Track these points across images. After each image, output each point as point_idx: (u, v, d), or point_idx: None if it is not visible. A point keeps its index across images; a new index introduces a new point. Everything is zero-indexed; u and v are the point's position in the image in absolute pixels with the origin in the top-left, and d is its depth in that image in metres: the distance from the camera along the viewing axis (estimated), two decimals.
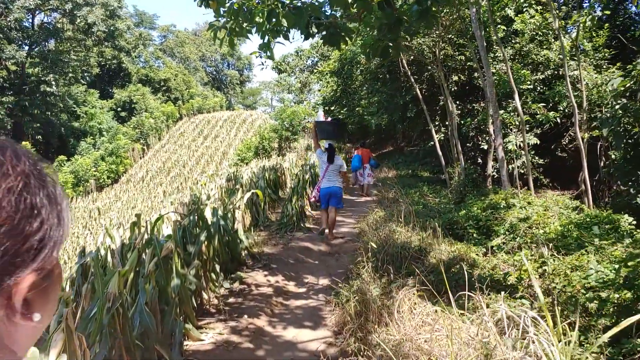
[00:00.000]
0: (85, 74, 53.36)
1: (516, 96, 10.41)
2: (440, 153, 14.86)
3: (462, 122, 15.07)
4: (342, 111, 29.55)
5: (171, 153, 45.15)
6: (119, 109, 53.83)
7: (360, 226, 9.82)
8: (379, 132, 28.95)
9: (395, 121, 19.02)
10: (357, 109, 27.68)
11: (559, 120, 13.93)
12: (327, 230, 8.91)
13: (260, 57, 6.08)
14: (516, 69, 14.09)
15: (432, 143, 16.01)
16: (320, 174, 9.22)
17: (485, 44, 13.30)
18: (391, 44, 5.55)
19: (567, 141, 16.34)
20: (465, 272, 4.23)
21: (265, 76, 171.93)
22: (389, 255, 6.24)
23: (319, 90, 38.51)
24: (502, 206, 9.28)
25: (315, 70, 40.91)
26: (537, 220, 8.24)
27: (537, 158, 14.62)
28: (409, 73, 14.65)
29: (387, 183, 18.00)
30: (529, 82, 13.57)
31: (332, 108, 31.07)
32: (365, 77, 18.32)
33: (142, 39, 67.98)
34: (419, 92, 14.75)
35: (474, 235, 8.53)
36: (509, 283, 5.55)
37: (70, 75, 45.22)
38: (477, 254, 7.38)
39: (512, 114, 14.04)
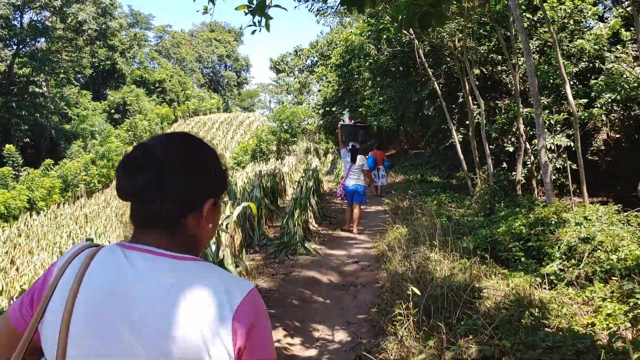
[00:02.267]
0: (78, 75, 51.70)
1: (567, 86, 8.65)
2: (461, 156, 13.09)
3: (492, 120, 13.29)
4: (343, 112, 27.88)
5: None
6: (112, 111, 52.18)
7: (377, 246, 8.06)
8: (381, 134, 27.34)
9: (406, 121, 17.20)
10: (359, 109, 26.05)
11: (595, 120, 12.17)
12: (353, 229, 9.92)
13: (253, 20, 4.34)
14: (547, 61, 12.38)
15: (447, 144, 14.29)
16: (344, 172, 10.16)
17: (514, 32, 11.59)
18: (432, 10, 3.87)
19: (599, 142, 14.63)
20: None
21: (264, 78, 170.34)
22: (431, 298, 4.48)
23: (319, 91, 36.87)
24: (552, 222, 7.52)
25: (314, 71, 39.28)
26: (604, 242, 6.50)
27: (569, 162, 12.88)
28: (427, 65, 12.89)
29: (397, 189, 16.33)
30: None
31: (334, 109, 29.46)
32: (373, 72, 16.43)
33: (137, 39, 66.61)
34: (437, 86, 12.99)
35: (522, 259, 6.78)
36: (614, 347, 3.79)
37: (61, 76, 43.43)
38: (531, 284, 5.67)
39: (546, 111, 12.29)
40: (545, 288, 5.75)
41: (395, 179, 21.55)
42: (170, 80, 65.58)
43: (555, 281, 5.95)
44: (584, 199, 9.10)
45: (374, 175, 15.34)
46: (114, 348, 1.08)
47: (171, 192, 1.15)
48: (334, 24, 40.32)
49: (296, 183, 11.24)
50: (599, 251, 6.34)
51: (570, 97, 8.80)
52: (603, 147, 14.50)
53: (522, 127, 11.67)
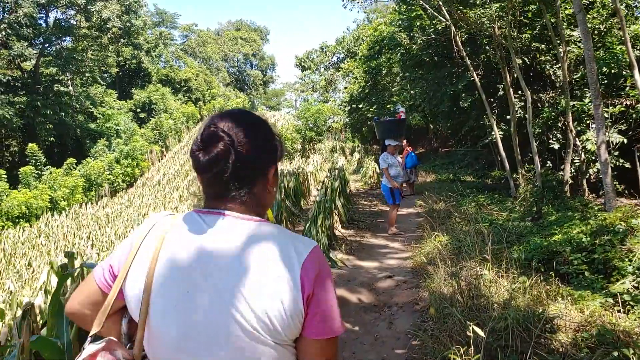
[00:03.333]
0: (104, 74, 51.51)
1: (636, 72, 7.49)
2: (503, 153, 11.94)
3: (536, 114, 12.13)
4: (371, 109, 27.00)
5: (190, 156, 42.93)
6: (138, 110, 51.86)
7: (414, 257, 7.05)
8: (409, 132, 26.24)
9: (440, 117, 16.04)
10: (387, 105, 25.06)
11: None
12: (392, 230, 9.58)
13: None
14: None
15: (487, 141, 13.19)
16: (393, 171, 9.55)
17: (562, 16, 10.47)
18: None
19: None
20: None
21: (290, 77, 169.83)
22: (493, 333, 3.48)
23: (345, 88, 35.93)
24: (620, 230, 6.43)
25: (340, 67, 38.33)
26: None
27: (621, 161, 11.67)
28: (464, 54, 11.77)
29: (429, 189, 15.29)
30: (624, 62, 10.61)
31: (360, 106, 28.53)
32: (404, 64, 15.25)
33: (163, 38, 66.38)
34: (476, 77, 11.86)
35: (586, 273, 5.71)
36: None
37: (87, 75, 43.16)
38: (606, 308, 4.65)
39: (589, 104, 11.11)
40: (619, 311, 4.69)
41: (427, 179, 20.48)
42: (195, 79, 65.36)
43: (632, 302, 4.89)
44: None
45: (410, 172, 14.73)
46: (194, 300, 1.20)
47: (239, 160, 1.26)
48: (362, 10, 39.29)
49: (321, 183, 10.26)
50: None
51: None
52: None
53: (571, 121, 10.54)
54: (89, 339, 1.34)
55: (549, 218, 9.02)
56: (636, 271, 5.43)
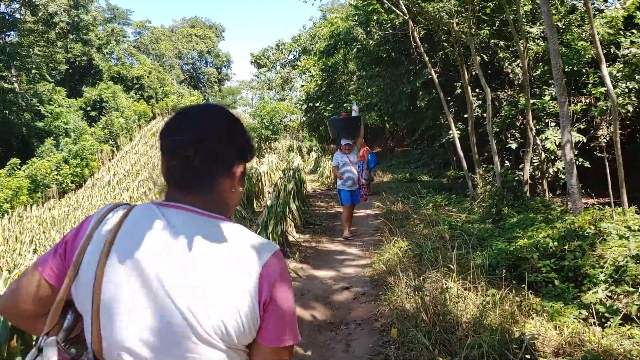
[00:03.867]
0: (53, 71, 49.61)
1: (604, 67, 7.16)
2: (461, 153, 11.60)
3: (500, 112, 11.82)
4: (327, 108, 26.62)
5: (141, 154, 41.90)
6: (88, 108, 50.21)
7: (373, 265, 6.55)
8: (365, 131, 26.00)
9: (397, 116, 15.61)
10: (344, 104, 24.70)
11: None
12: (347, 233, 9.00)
13: None
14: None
15: (444, 140, 12.88)
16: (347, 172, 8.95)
17: (522, 12, 10.18)
18: None
19: (609, 138, 13.22)
20: None
21: (246, 76, 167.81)
22: None
23: (302, 87, 35.42)
24: (589, 234, 6.09)
25: (297, 65, 37.78)
26: None
27: (581, 160, 11.49)
28: (422, 50, 11.35)
29: (387, 189, 14.91)
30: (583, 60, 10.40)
31: (317, 104, 28.10)
32: (360, 61, 14.70)
33: (115, 34, 64.82)
34: (434, 74, 11.47)
35: (555, 282, 5.33)
36: None
37: (34, 71, 41.41)
38: (577, 320, 4.27)
39: (549, 102, 10.87)
40: (593, 323, 4.29)
41: (383, 178, 20.14)
42: (148, 77, 64.23)
43: (607, 314, 4.51)
44: (621, 203, 7.64)
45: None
46: (146, 299, 1.13)
47: (208, 150, 1.22)
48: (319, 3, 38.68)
49: (274, 186, 9.68)
50: None
51: (609, 81, 7.36)
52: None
53: (531, 120, 10.27)
54: (43, 337, 1.24)
55: (510, 220, 8.69)
56: (608, 279, 5.09)
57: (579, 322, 4.24)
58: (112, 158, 43.63)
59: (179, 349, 1.12)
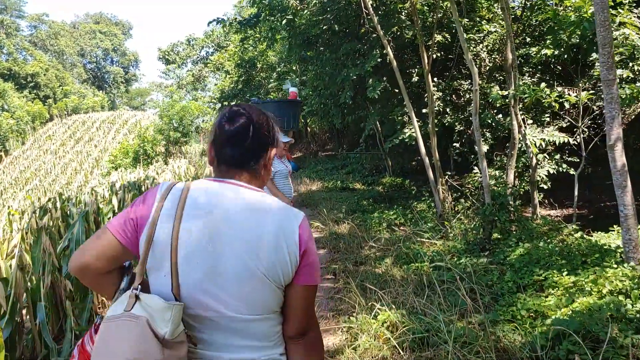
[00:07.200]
0: None
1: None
2: (426, 159, 8.93)
3: (489, 102, 9.28)
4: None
5: (33, 160, 37.16)
6: None
7: None
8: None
9: (338, 111, 12.74)
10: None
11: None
12: None
13: None
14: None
15: (399, 140, 10.30)
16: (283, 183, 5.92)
17: None
18: None
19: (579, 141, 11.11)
20: None
21: (156, 76, 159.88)
22: None
23: (216, 85, 32.17)
24: None
25: (210, 60, 34.46)
26: None
27: (565, 166, 9.21)
28: (375, 21, 8.58)
29: (319, 200, 12.26)
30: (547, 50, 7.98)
31: (232, 103, 25.03)
32: (291, 37, 11.46)
33: (5, 27, 58.99)
34: (391, 54, 8.76)
35: None
36: None
37: None
38: None
39: (517, 92, 8.40)
40: None
41: (312, 187, 17.38)
42: (45, 75, 58.95)
43: None
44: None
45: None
46: (215, 249, 1.38)
47: (255, 136, 1.52)
48: None
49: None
50: None
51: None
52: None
53: (519, 113, 7.85)
54: (124, 284, 1.49)
55: (510, 251, 6.16)
56: None
57: None
58: (0, 163, 38.98)
59: (243, 288, 1.38)
